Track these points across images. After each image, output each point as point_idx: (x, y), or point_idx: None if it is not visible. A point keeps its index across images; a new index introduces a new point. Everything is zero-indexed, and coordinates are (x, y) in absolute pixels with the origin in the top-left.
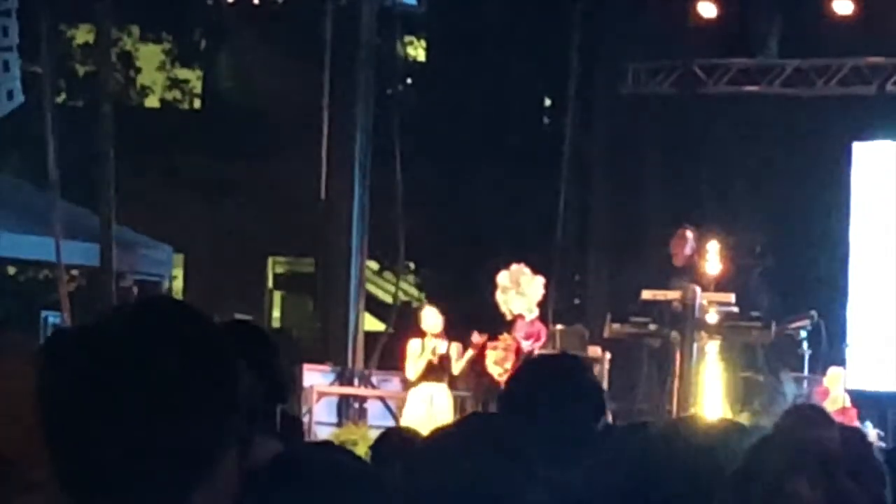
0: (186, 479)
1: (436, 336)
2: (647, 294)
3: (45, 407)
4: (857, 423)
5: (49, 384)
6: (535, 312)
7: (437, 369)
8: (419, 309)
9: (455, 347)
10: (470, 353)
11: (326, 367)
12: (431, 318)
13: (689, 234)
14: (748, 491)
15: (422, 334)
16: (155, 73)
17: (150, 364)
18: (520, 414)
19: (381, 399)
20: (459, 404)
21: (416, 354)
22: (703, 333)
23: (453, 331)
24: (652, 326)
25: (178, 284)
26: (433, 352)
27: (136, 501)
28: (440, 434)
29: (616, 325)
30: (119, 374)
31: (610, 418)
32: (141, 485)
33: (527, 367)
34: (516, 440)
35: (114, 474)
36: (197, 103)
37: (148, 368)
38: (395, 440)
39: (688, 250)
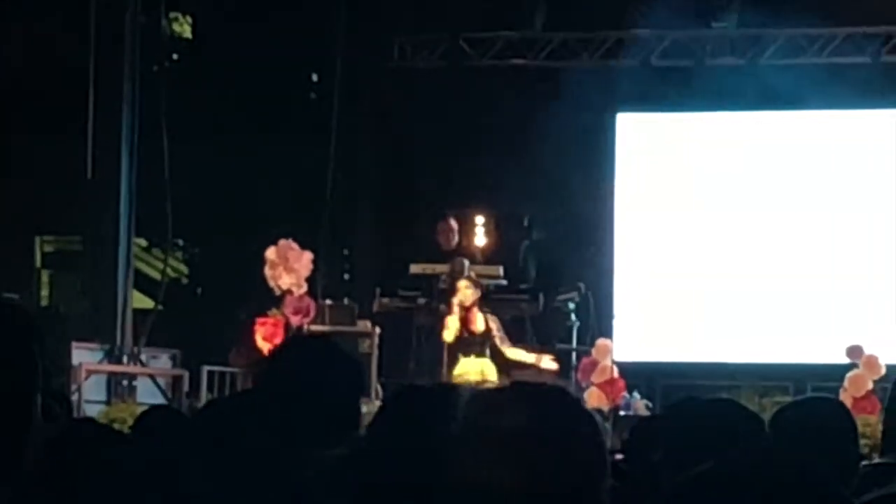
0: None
1: None
2: (415, 268)
3: None
4: (625, 394)
5: None
6: (304, 288)
7: None
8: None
9: None
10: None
11: (95, 345)
12: None
13: (453, 222)
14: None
15: None
16: None
17: None
18: (281, 393)
19: (151, 376)
20: (229, 381)
21: None
22: None
23: (223, 308)
24: (421, 300)
25: None
26: None
27: None
28: (208, 411)
29: (385, 300)
30: None
31: (381, 391)
32: None
33: (285, 349)
34: (280, 418)
35: None
36: None
37: None
38: (160, 416)
39: (453, 240)
